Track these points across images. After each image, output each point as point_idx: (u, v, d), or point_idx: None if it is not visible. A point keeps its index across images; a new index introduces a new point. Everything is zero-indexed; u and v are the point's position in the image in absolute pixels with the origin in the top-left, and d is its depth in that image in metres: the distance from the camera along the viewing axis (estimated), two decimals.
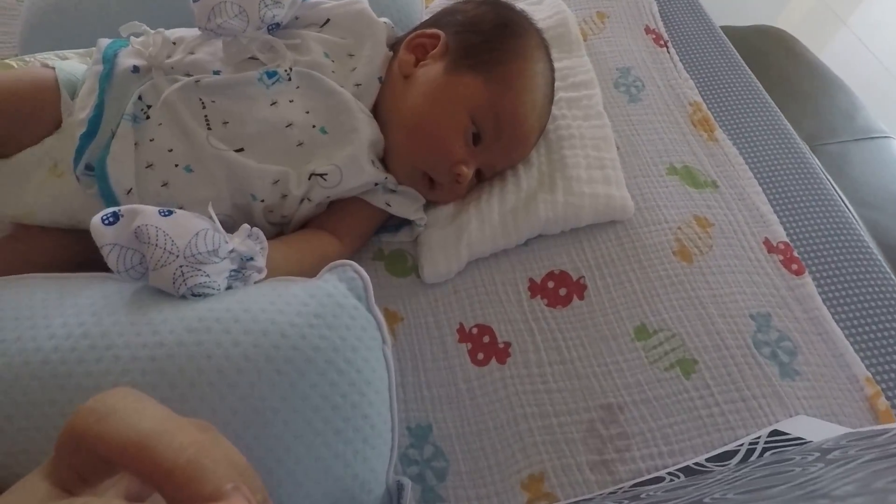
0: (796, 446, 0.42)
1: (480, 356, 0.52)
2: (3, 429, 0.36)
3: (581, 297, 0.56)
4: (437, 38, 0.57)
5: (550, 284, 0.56)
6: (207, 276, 0.40)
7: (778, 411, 0.49)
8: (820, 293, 0.57)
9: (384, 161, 0.57)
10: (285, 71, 0.52)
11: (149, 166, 0.48)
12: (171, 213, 0.40)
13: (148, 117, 0.49)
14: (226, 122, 0.50)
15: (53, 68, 0.51)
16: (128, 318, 0.39)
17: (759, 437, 0.46)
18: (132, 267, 0.40)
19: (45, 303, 0.40)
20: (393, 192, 0.56)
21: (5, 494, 0.17)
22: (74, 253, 0.50)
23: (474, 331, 0.54)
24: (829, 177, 0.73)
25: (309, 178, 0.51)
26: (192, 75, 0.50)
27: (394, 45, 0.59)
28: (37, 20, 0.64)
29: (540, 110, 0.58)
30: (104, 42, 0.53)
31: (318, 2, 0.57)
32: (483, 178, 0.59)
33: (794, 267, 0.58)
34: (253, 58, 0.52)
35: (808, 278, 0.57)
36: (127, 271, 0.40)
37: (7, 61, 0.53)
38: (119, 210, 0.40)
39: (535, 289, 0.56)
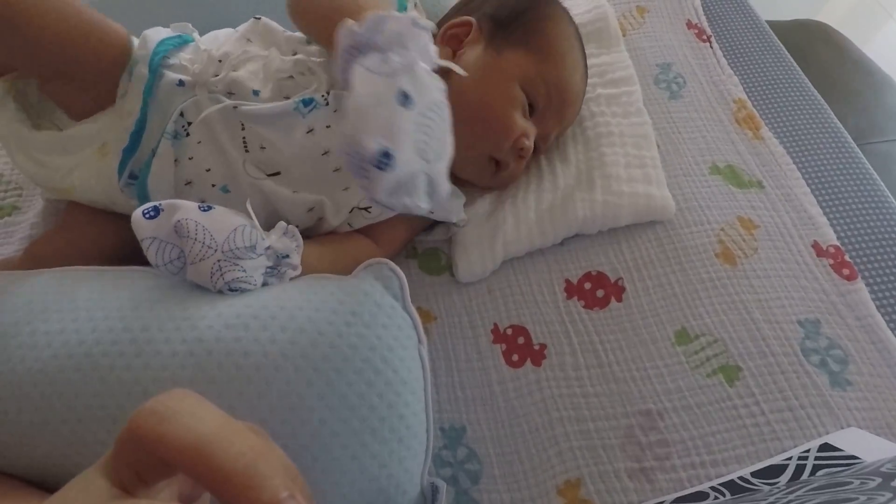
0: (850, 466, 0.40)
1: (515, 357, 0.51)
2: (48, 420, 0.36)
3: (619, 300, 0.54)
4: (469, 24, 0.56)
5: (587, 285, 0.55)
6: (244, 271, 0.40)
7: (828, 422, 0.47)
8: (874, 300, 0.54)
9: None
10: (322, 96, 0.48)
11: (188, 184, 0.48)
12: (210, 208, 0.41)
13: (188, 134, 0.48)
14: (263, 147, 0.48)
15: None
16: (167, 312, 0.39)
17: (808, 451, 0.44)
18: (171, 261, 0.40)
19: (89, 296, 0.40)
20: None
21: (64, 490, 0.17)
22: (118, 241, 0.51)
23: (509, 331, 0.53)
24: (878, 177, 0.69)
25: (350, 211, 0.51)
26: (233, 93, 0.48)
27: None
28: None
29: (581, 70, 0.59)
30: (153, 38, 0.50)
31: None
32: (539, 152, 0.59)
33: (846, 272, 0.56)
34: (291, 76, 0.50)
35: (860, 284, 0.55)
36: (166, 265, 0.40)
37: None
38: (160, 204, 0.40)
39: (572, 290, 0.55)
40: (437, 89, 0.37)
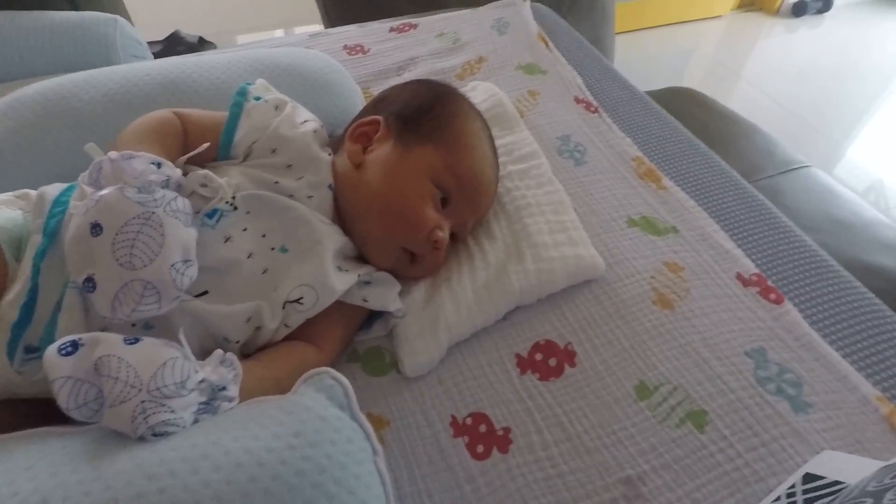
0: (837, 494, 0.39)
1: (480, 448, 0.48)
2: None
3: (573, 365, 0.53)
4: (377, 122, 0.58)
5: (538, 356, 0.53)
6: (173, 411, 0.36)
7: (802, 450, 0.46)
8: (804, 318, 0.56)
9: (361, 257, 0.55)
10: (227, 203, 0.49)
11: (103, 330, 0.43)
12: (137, 340, 0.37)
13: None
14: None
15: None
16: (74, 476, 0.33)
17: (794, 487, 0.42)
18: (85, 403, 0.36)
19: None
20: (368, 283, 0.54)
21: None
22: (14, 424, 0.43)
23: (468, 421, 0.49)
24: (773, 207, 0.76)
25: (283, 308, 0.48)
26: None
27: (332, 145, 0.60)
28: None
29: (492, 161, 0.60)
30: (48, 196, 0.47)
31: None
32: (458, 240, 0.59)
33: (773, 296, 0.58)
34: (194, 192, 0.49)
35: (789, 305, 0.57)
36: (78, 408, 0.35)
37: None
38: (79, 339, 0.36)
39: (524, 364, 0.53)
40: (137, 205, 0.41)
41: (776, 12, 2.56)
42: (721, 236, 0.64)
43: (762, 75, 2.20)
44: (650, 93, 1.36)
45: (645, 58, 2.25)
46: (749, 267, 0.61)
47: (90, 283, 0.40)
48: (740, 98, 2.08)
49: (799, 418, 0.48)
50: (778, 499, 0.42)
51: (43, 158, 0.62)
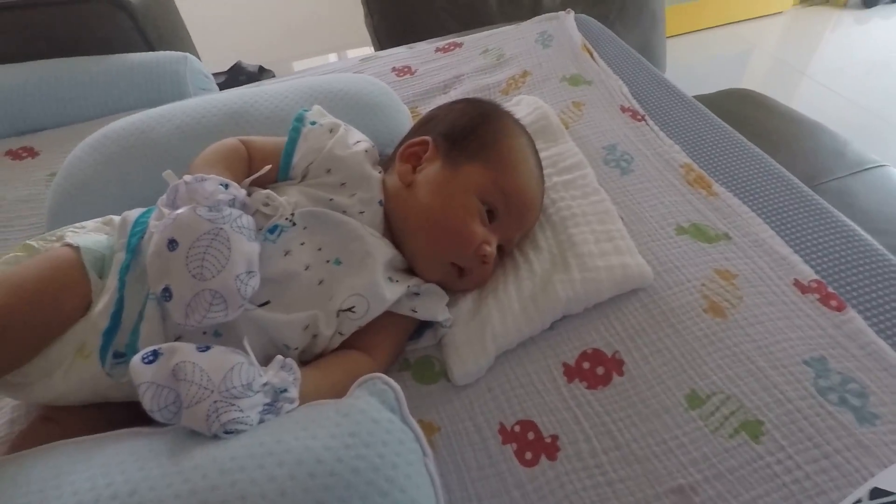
0: None
1: (528, 455, 0.49)
2: None
3: (620, 374, 0.53)
4: (426, 143, 0.61)
5: (586, 365, 0.54)
6: (241, 410, 0.40)
7: (868, 463, 0.44)
8: (870, 325, 0.54)
9: (411, 269, 0.58)
10: (287, 219, 0.53)
11: (178, 338, 0.48)
12: (207, 348, 0.41)
13: None
14: None
15: (77, 247, 0.49)
16: (158, 470, 0.37)
17: (860, 500, 0.41)
18: (166, 406, 0.40)
19: (72, 466, 0.38)
20: (417, 294, 0.56)
21: None
22: (106, 427, 0.47)
23: (517, 428, 0.50)
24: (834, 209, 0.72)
25: (337, 316, 0.52)
26: None
27: (383, 164, 0.63)
28: (60, 198, 0.69)
29: (537, 177, 0.62)
30: (130, 218, 0.53)
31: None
32: (504, 254, 0.61)
33: (834, 303, 0.56)
34: (258, 210, 0.53)
35: (852, 312, 0.55)
36: (160, 410, 0.39)
37: (29, 242, 0.51)
38: (159, 348, 0.40)
39: (571, 372, 0.54)
40: (207, 222, 0.45)
41: (844, 4, 2.42)
42: (777, 242, 0.62)
43: (831, 71, 2.08)
44: (704, 96, 1.33)
45: (702, 60, 2.19)
46: (808, 273, 0.59)
47: (167, 293, 0.44)
48: (806, 97, 1.98)
49: (864, 430, 0.46)
50: None
51: (126, 187, 0.69)
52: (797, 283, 0.58)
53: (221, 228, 0.45)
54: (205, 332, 0.48)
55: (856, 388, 0.49)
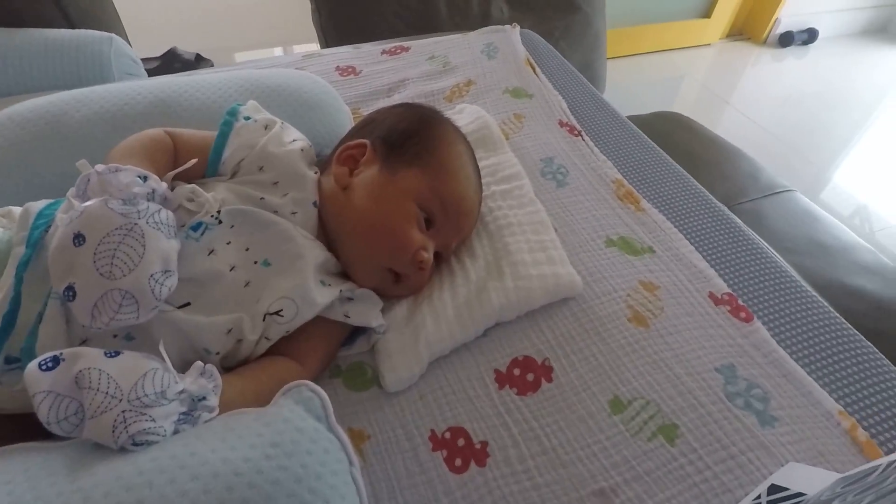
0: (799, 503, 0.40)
1: (458, 462, 0.49)
2: None
3: (549, 380, 0.54)
4: (364, 146, 0.60)
5: (517, 372, 0.55)
6: (153, 420, 0.37)
7: (768, 462, 0.47)
8: (773, 335, 0.58)
9: (345, 273, 0.57)
10: (212, 216, 0.50)
11: (84, 342, 0.44)
12: (117, 353, 0.38)
13: None
14: None
15: None
16: (52, 489, 0.34)
17: (759, 498, 0.44)
18: (65, 418, 0.36)
19: None
20: (350, 299, 0.55)
21: None
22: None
23: (447, 435, 0.51)
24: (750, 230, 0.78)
25: (264, 319, 0.49)
26: None
27: (320, 165, 0.62)
28: None
29: (475, 184, 0.62)
30: (33, 210, 0.48)
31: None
32: (441, 260, 0.61)
33: (743, 315, 0.60)
34: (181, 206, 0.50)
35: (758, 324, 0.59)
36: (59, 423, 0.36)
37: None
38: (60, 354, 0.37)
39: (503, 379, 0.54)
40: (120, 216, 0.42)
41: (763, 42, 2.63)
42: (695, 257, 0.66)
43: (749, 102, 2.26)
44: (639, 117, 1.40)
45: (639, 82, 2.31)
46: (721, 286, 0.63)
47: (70, 292, 0.40)
48: (728, 123, 2.13)
49: (765, 432, 0.50)
50: None
51: (32, 177, 0.62)
52: (712, 296, 0.62)
53: (136, 224, 0.42)
54: (115, 336, 0.44)
55: (759, 393, 0.53)
